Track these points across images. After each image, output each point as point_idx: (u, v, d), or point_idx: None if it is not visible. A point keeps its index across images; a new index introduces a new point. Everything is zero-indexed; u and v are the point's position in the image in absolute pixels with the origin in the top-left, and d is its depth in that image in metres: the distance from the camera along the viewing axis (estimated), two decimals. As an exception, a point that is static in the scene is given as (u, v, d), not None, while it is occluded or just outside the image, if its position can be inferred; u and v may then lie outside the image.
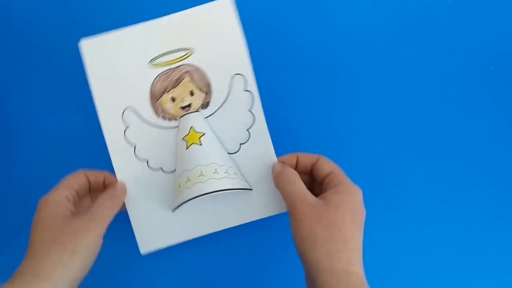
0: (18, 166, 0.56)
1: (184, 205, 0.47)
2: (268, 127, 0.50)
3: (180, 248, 0.51)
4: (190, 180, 0.47)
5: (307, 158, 0.48)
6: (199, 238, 0.51)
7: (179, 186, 0.48)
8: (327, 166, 0.47)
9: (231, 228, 0.51)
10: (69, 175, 0.47)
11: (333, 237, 0.42)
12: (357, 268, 0.42)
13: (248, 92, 0.49)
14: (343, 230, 0.42)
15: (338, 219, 0.43)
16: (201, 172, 0.46)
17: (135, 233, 0.50)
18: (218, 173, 0.47)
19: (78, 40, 0.50)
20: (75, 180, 0.47)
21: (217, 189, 0.46)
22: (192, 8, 0.50)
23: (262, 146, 0.50)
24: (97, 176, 0.49)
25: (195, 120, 0.49)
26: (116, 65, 0.50)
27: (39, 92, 0.57)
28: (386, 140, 0.57)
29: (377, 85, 0.58)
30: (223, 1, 0.49)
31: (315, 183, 0.49)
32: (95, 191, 0.49)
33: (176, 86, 0.50)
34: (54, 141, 0.56)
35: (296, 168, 0.48)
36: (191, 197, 0.46)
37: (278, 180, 0.47)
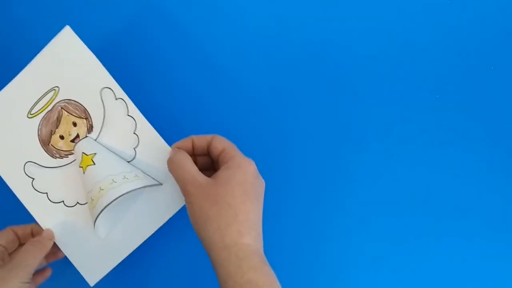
0: None
1: (111, 227, 0.50)
2: (155, 123, 0.52)
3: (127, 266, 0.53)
4: (93, 200, 0.48)
5: (202, 140, 0.49)
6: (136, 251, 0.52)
7: (90, 209, 0.49)
8: (219, 144, 0.47)
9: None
10: None
11: (222, 212, 0.43)
12: (248, 238, 0.43)
13: (120, 99, 0.51)
14: (232, 204, 0.43)
15: (228, 194, 0.43)
16: (99, 188, 0.48)
17: (79, 270, 0.52)
18: (115, 182, 0.48)
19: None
20: (1, 237, 0.50)
21: (117, 195, 0.47)
22: (41, 51, 0.52)
23: (153, 143, 0.51)
24: (24, 229, 0.52)
25: (84, 145, 0.51)
26: (3, 125, 0.53)
27: None
28: (385, 140, 0.58)
29: (376, 85, 0.59)
30: (64, 33, 0.52)
31: (215, 162, 0.49)
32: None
33: (59, 125, 0.53)
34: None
35: (193, 151, 0.49)
36: (98, 212, 0.47)
37: (170, 166, 0.48)
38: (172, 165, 0.47)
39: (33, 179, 0.53)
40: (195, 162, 0.48)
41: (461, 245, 0.57)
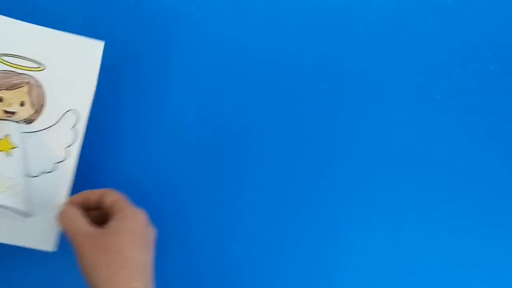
0: None
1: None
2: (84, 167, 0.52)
3: None
4: None
5: (94, 194, 0.50)
6: None
7: None
8: (110, 197, 0.49)
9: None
10: None
11: (112, 261, 0.44)
12: (138, 283, 0.44)
13: (74, 130, 0.51)
14: (122, 252, 0.45)
15: (117, 243, 0.45)
16: None
17: None
18: (12, 189, 0.47)
19: None
20: None
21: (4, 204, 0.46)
22: (67, 33, 0.51)
23: (61, 183, 0.51)
24: None
25: (15, 130, 0.49)
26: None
27: None
28: (384, 140, 0.59)
29: (376, 86, 0.60)
30: (96, 43, 0.51)
31: (106, 215, 0.50)
32: None
33: (10, 90, 0.50)
34: None
35: (86, 205, 0.50)
36: None
37: (60, 219, 0.48)
38: (62, 218, 0.48)
39: None
40: (88, 216, 0.49)
41: (462, 247, 0.58)
